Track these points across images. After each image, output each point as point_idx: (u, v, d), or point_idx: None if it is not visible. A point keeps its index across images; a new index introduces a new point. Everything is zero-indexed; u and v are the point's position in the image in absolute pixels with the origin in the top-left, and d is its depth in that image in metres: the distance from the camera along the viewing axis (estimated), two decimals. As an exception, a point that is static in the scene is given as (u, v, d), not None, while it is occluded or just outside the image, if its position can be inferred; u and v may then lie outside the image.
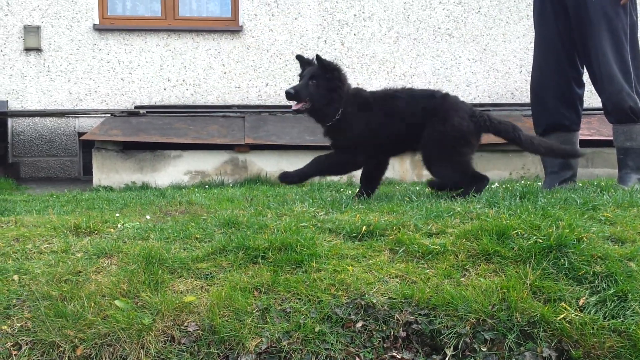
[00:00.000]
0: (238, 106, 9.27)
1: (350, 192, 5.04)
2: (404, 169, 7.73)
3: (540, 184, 5.01)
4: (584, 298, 2.58)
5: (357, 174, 4.67)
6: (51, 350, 2.45)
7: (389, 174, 7.62)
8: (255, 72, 9.63)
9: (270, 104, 9.47)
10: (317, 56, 4.25)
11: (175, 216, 3.86)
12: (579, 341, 2.43)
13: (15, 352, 2.45)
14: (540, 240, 2.85)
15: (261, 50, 9.64)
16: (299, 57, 4.42)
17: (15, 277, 2.77)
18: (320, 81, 4.21)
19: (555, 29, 4.58)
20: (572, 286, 2.64)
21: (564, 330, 2.45)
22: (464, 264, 2.82)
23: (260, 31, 9.65)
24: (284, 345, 2.45)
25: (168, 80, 9.52)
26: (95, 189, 7.02)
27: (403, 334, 2.51)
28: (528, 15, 9.75)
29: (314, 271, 2.79)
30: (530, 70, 4.86)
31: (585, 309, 2.53)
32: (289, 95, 4.14)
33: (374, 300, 2.59)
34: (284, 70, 9.64)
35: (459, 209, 3.45)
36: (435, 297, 2.59)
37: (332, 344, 2.45)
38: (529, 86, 4.89)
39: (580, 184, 4.74)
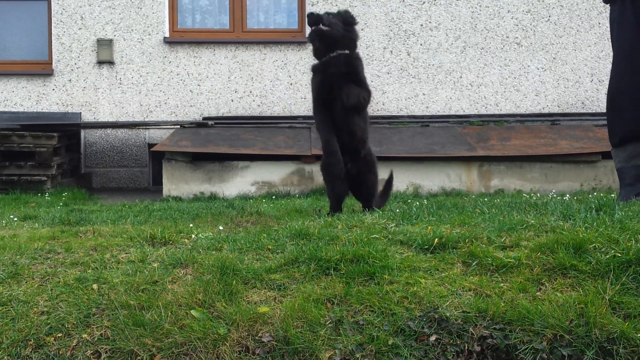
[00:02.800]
0: (304, 117, 9.34)
1: (418, 203, 5.01)
2: (471, 180, 7.65)
3: (614, 195, 4.88)
4: (665, 314, 2.51)
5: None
6: (129, 358, 2.50)
7: (455, 184, 7.59)
8: (321, 83, 9.66)
9: (336, 114, 9.48)
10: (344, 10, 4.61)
11: (246, 227, 3.90)
12: (660, 359, 2.36)
13: (95, 360, 2.52)
14: (619, 254, 2.78)
15: (327, 61, 9.67)
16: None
17: (95, 286, 2.84)
18: (339, 18, 4.51)
19: (635, 36, 4.44)
20: (653, 302, 2.57)
21: (645, 347, 2.38)
22: (539, 278, 2.77)
23: (326, 42, 9.69)
24: (357, 358, 2.44)
25: (235, 91, 9.65)
26: (165, 199, 7.16)
27: (478, 349, 2.47)
28: (599, 23, 9.55)
29: (387, 283, 2.78)
30: (602, 79, 4.75)
31: (667, 326, 2.45)
32: (311, 15, 4.40)
33: (448, 314, 2.57)
34: (350, 81, 9.65)
35: (532, 221, 3.39)
36: (511, 311, 2.55)
37: (405, 357, 2.44)
38: (603, 95, 4.78)
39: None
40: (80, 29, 9.64)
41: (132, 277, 2.89)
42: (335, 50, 4.43)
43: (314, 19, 4.36)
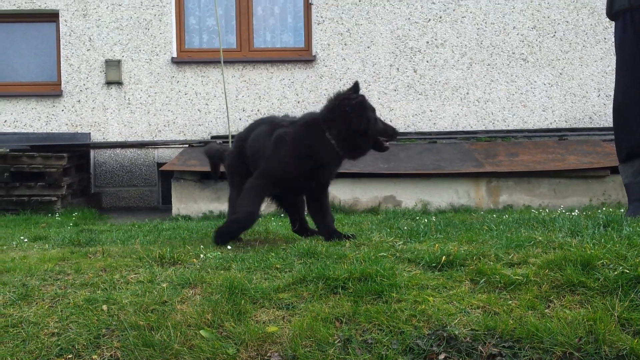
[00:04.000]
0: (312, 135, 9.35)
1: (426, 220, 5.01)
2: (479, 196, 7.65)
3: (623, 211, 4.87)
4: (674, 331, 2.50)
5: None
6: (139, 378, 2.52)
7: (464, 201, 7.59)
8: (328, 101, 9.69)
9: (343, 132, 9.51)
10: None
11: (255, 246, 3.91)
12: (670, 375, 2.36)
13: (105, 381, 2.53)
14: (627, 271, 2.78)
15: (334, 79, 9.73)
16: None
17: (105, 307, 2.85)
18: None
19: (637, 50, 4.46)
20: (662, 318, 2.57)
21: (654, 364, 2.38)
22: (547, 295, 2.77)
23: (333, 60, 9.75)
24: (367, 377, 2.45)
25: (243, 110, 9.70)
26: (174, 218, 7.18)
27: (487, 367, 2.48)
28: (605, 39, 9.57)
29: (395, 302, 2.78)
30: (609, 93, 4.76)
31: (676, 342, 2.45)
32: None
33: (456, 332, 2.57)
34: (357, 99, 9.68)
35: (540, 238, 3.39)
36: (519, 328, 2.55)
37: (414, 375, 2.44)
38: (610, 110, 4.78)
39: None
40: (89, 50, 9.72)
41: (141, 298, 2.90)
42: None
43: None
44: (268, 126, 4.15)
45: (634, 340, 2.45)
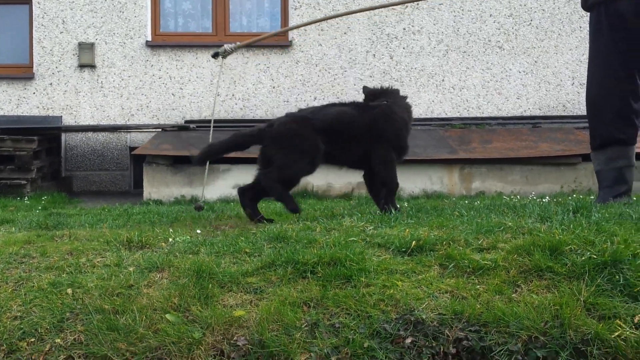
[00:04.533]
0: (287, 120, 9.32)
1: (398, 205, 5.00)
2: (452, 183, 7.67)
3: (593, 198, 4.91)
4: (639, 315, 2.51)
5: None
6: (103, 363, 2.49)
7: (437, 187, 7.60)
8: (303, 87, 9.67)
9: (318, 118, 9.49)
10: None
11: (225, 230, 3.88)
12: (634, 359, 2.37)
13: (69, 365, 2.50)
14: (595, 256, 2.79)
15: (310, 65, 9.69)
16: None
17: (69, 291, 2.82)
18: None
19: (611, 42, 4.49)
20: (628, 303, 2.58)
21: (618, 348, 2.39)
22: (515, 280, 2.77)
23: (309, 46, 9.70)
24: (333, 361, 2.44)
25: (218, 94, 9.62)
26: (146, 202, 7.12)
27: (453, 351, 2.48)
28: (581, 27, 9.61)
29: (363, 286, 2.77)
30: (583, 82, 4.78)
31: (641, 327, 2.47)
32: None
33: (424, 316, 2.57)
34: (333, 85, 9.67)
35: (510, 223, 3.40)
36: (486, 313, 2.55)
37: (381, 359, 2.44)
38: (584, 98, 4.81)
39: (635, 199, 4.63)
40: (62, 32, 9.58)
41: (107, 282, 2.87)
42: None
43: None
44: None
45: (599, 324, 2.46)
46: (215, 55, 5.48)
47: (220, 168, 7.62)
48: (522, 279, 2.78)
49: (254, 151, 7.61)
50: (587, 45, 4.81)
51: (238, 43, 5.53)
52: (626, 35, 4.44)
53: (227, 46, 5.42)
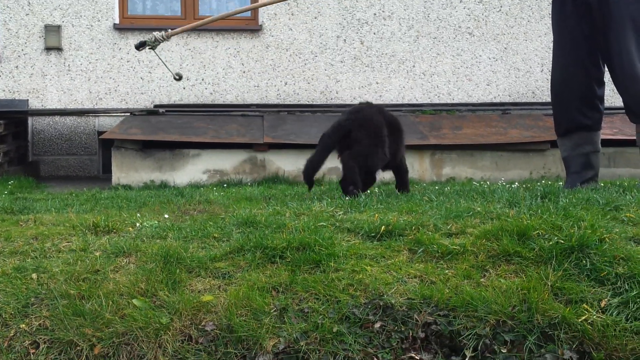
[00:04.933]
0: (257, 105, 9.28)
1: (368, 191, 5.00)
2: (423, 168, 7.69)
3: (561, 184, 4.95)
4: (605, 300, 2.54)
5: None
6: (69, 349, 2.45)
7: (408, 173, 7.61)
8: (274, 71, 9.62)
9: (289, 102, 9.46)
10: None
11: (193, 215, 3.85)
12: (600, 343, 2.39)
13: (34, 351, 2.46)
14: (562, 241, 2.81)
15: (280, 50, 9.63)
16: None
17: (34, 276, 2.77)
18: None
19: (576, 28, 4.51)
20: (594, 287, 2.60)
21: (585, 332, 2.41)
22: (483, 265, 2.79)
23: (279, 30, 9.64)
24: (302, 346, 2.43)
25: (187, 79, 9.53)
26: (114, 187, 7.04)
27: (422, 335, 2.48)
28: (550, 14, 9.64)
29: (332, 271, 2.77)
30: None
31: (607, 311, 2.48)
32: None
33: (393, 301, 2.57)
34: (303, 70, 9.63)
35: (479, 209, 3.41)
36: (455, 297, 2.56)
37: (350, 344, 2.43)
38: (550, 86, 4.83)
39: (602, 184, 4.68)
40: (28, 14, 9.41)
41: (73, 267, 2.83)
42: None
43: None
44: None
45: (566, 308, 2.48)
46: (140, 46, 4.85)
47: (190, 153, 7.57)
48: (490, 264, 2.79)
49: (224, 137, 7.57)
50: (555, 32, 4.83)
51: (170, 30, 4.97)
52: (591, 21, 4.47)
53: (156, 34, 4.89)
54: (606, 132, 6.90)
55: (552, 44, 4.82)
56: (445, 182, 7.05)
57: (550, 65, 4.84)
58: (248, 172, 7.56)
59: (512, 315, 2.47)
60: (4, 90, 9.36)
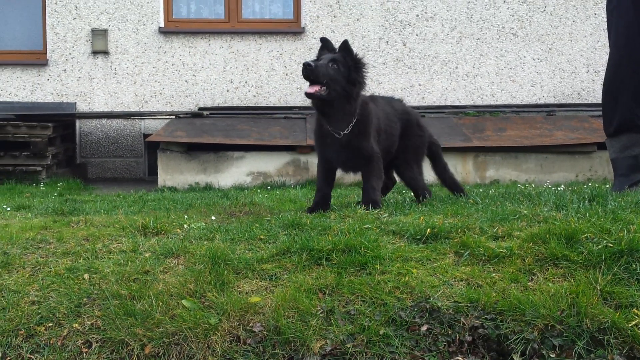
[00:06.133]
0: (299, 107, 9.33)
1: (412, 193, 4.99)
2: (466, 171, 7.64)
3: (608, 186, 4.88)
4: (656, 305, 2.50)
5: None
6: (120, 348, 2.50)
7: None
8: (316, 74, 9.63)
9: (331, 105, 9.47)
10: (345, 41, 3.80)
11: (239, 217, 3.89)
12: (651, 349, 2.36)
13: (86, 350, 2.51)
14: (611, 245, 2.78)
15: (323, 52, 9.64)
16: (323, 40, 3.98)
17: (86, 276, 2.83)
18: (343, 69, 3.74)
19: (635, 24, 4.39)
20: (645, 292, 2.57)
21: (635, 337, 2.38)
22: (531, 268, 2.76)
23: (322, 32, 9.66)
24: (349, 348, 2.44)
25: (231, 82, 9.62)
26: (160, 189, 7.14)
27: (469, 339, 2.47)
28: (595, 14, 9.53)
29: (378, 273, 2.77)
30: (598, 69, 4.72)
31: (658, 316, 2.45)
32: (307, 68, 3.60)
33: (439, 304, 2.56)
34: (346, 72, 9.62)
35: (525, 211, 3.38)
36: (502, 301, 2.54)
37: (396, 347, 2.43)
38: (598, 86, 4.74)
39: (651, 187, 4.60)
40: (75, 18, 9.60)
41: (124, 267, 2.88)
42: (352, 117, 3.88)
43: (307, 71, 3.70)
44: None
45: (615, 313, 2.44)
46: None
47: (234, 155, 7.64)
48: (537, 267, 2.76)
49: (267, 139, 7.63)
50: (602, 32, 4.76)
51: None
52: None
53: None
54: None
55: (597, 45, 4.74)
56: (490, 185, 7.00)
57: (596, 66, 4.77)
58: (291, 174, 7.60)
59: (561, 320, 2.45)
60: (52, 94, 9.56)
